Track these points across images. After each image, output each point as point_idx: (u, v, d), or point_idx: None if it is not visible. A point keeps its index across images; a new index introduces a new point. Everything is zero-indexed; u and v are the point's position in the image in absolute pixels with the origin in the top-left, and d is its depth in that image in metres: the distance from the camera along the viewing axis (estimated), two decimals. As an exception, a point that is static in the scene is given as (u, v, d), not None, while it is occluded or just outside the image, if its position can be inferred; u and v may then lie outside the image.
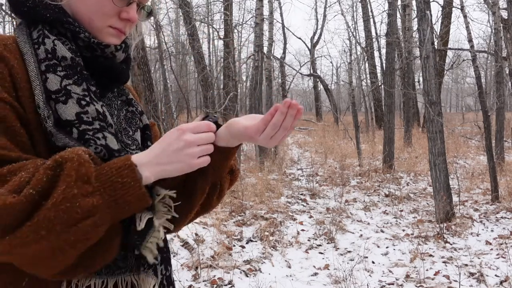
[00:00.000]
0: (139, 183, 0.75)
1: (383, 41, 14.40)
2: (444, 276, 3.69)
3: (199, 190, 0.93)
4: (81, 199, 0.70)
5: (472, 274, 3.73)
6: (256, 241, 4.45)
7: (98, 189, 0.72)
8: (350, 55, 19.04)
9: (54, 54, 0.83)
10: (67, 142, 0.78)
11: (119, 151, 0.82)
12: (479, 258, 4.06)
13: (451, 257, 4.12)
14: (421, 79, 6.99)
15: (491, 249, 4.32)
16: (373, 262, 4.05)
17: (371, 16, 15.41)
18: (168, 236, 4.17)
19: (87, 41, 0.87)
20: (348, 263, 3.97)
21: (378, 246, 4.47)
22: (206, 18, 16.47)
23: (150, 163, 0.78)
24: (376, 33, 16.05)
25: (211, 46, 23.68)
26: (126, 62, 0.96)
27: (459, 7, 8.47)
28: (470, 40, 7.58)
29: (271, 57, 12.54)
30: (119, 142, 0.86)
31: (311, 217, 5.45)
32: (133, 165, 0.75)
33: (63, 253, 0.71)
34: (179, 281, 3.45)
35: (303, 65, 18.77)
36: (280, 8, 19.59)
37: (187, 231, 4.24)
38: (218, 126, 0.87)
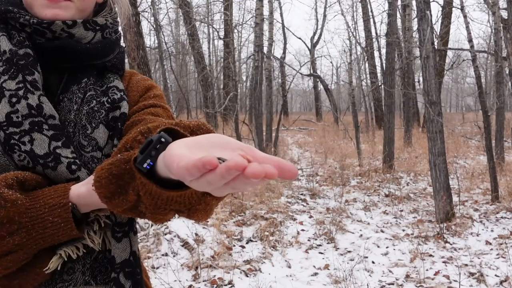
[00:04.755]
0: (71, 224, 0.72)
1: (383, 41, 14.42)
2: (444, 276, 3.69)
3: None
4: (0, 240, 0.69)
5: (472, 274, 3.73)
6: (256, 241, 4.45)
7: (26, 226, 0.70)
8: (350, 55, 19.07)
9: None
10: None
11: (46, 156, 0.76)
12: (479, 258, 4.07)
13: (451, 257, 4.12)
14: (421, 79, 6.99)
15: (491, 249, 4.32)
16: (373, 262, 4.05)
17: (371, 16, 15.41)
18: (168, 236, 4.11)
19: (28, 24, 0.81)
20: (348, 263, 3.98)
21: (378, 246, 4.47)
22: (206, 18, 16.49)
23: (89, 200, 0.73)
24: (376, 33, 16.05)
25: (211, 46, 23.75)
26: (101, 43, 0.88)
27: (459, 7, 8.48)
28: (470, 40, 7.58)
29: (271, 57, 12.54)
30: (71, 141, 0.80)
31: (311, 217, 5.45)
32: (67, 204, 0.72)
33: None
34: (179, 281, 3.46)
35: (303, 65, 18.76)
36: (280, 8, 19.59)
37: (187, 231, 4.24)
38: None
